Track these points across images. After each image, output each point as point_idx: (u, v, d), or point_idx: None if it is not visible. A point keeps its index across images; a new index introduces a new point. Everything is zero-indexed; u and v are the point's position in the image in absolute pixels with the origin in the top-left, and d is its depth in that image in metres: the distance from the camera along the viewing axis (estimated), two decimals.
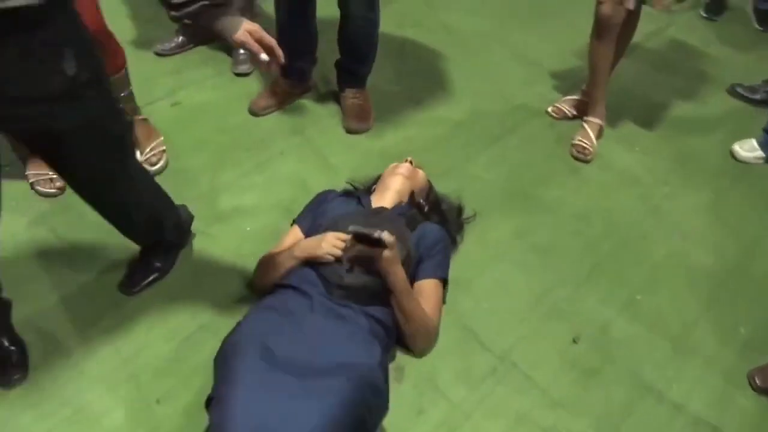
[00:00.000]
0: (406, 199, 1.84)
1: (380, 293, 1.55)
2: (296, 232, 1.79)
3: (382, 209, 1.76)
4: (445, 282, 1.75)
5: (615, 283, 1.91)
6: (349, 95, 2.39)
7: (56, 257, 1.85)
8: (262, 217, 2.01)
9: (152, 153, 2.14)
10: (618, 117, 2.51)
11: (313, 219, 1.79)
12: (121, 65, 2.00)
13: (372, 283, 1.54)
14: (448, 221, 1.95)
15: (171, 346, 1.66)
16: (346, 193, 1.91)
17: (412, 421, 1.55)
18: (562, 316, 1.80)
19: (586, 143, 2.33)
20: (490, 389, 1.62)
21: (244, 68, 2.59)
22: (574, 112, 2.50)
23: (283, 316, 1.45)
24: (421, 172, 1.93)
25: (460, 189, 2.14)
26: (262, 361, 1.29)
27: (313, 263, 1.59)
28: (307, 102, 2.50)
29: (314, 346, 1.37)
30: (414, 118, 2.47)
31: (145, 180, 1.63)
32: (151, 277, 1.79)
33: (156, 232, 1.73)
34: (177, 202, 2.02)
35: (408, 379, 1.63)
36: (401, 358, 1.67)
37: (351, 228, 1.49)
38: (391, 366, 1.63)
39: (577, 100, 2.52)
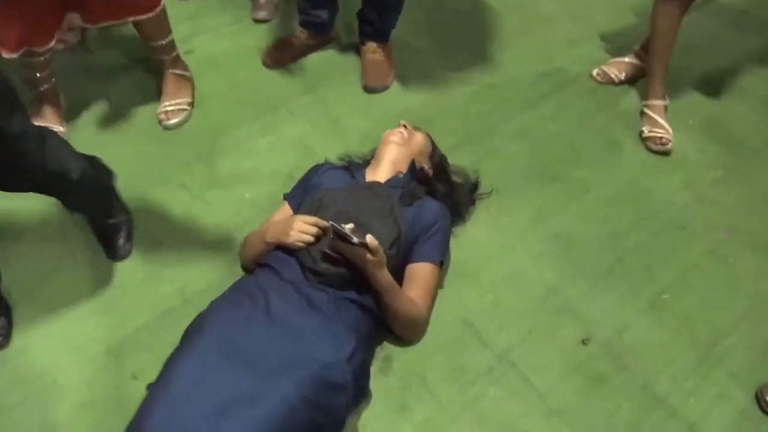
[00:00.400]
0: (404, 168, 1.68)
1: (361, 277, 1.43)
2: (285, 209, 1.67)
3: (374, 184, 1.61)
4: (441, 264, 1.61)
5: (640, 280, 1.71)
6: (370, 50, 2.19)
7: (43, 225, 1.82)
8: (263, 184, 1.90)
9: (165, 109, 2.05)
10: (674, 82, 2.20)
11: (302, 195, 1.66)
12: (155, 3, 1.86)
13: (349, 271, 1.42)
14: (457, 192, 1.78)
15: (153, 319, 1.60)
16: (342, 166, 1.77)
17: (392, 419, 1.45)
18: (574, 314, 1.63)
19: (659, 132, 2.03)
20: (483, 390, 1.50)
21: (263, 14, 2.42)
22: (622, 77, 2.22)
23: (252, 304, 1.35)
24: (419, 136, 1.75)
25: (479, 162, 1.96)
26: (213, 352, 1.22)
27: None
28: (326, 55, 2.32)
29: (275, 340, 1.27)
30: (440, 77, 2.26)
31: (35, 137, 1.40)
32: (121, 236, 1.72)
33: (62, 186, 1.53)
34: (174, 163, 1.95)
35: (395, 372, 1.52)
36: (389, 348, 1.56)
37: (331, 224, 1.35)
38: (379, 355, 1.53)
39: (627, 63, 2.24)
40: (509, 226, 1.83)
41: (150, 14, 1.86)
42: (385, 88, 2.19)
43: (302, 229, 1.43)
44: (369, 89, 2.18)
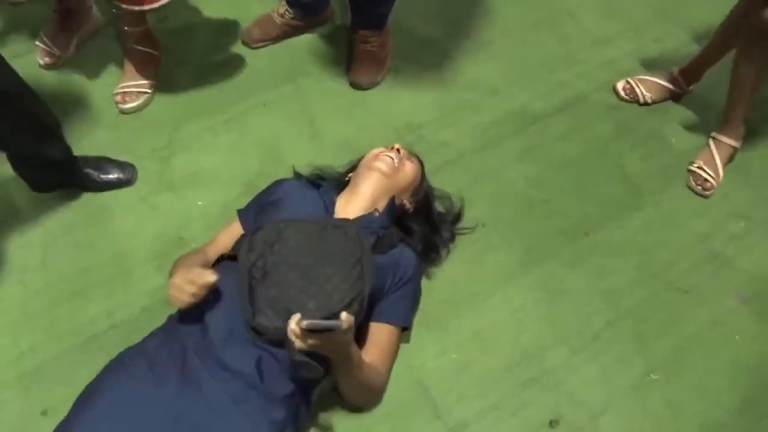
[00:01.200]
0: (383, 204, 1.44)
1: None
2: (235, 228, 1.45)
3: (346, 223, 1.35)
4: (406, 327, 1.42)
5: (629, 352, 1.49)
6: (361, 38, 1.91)
7: None
8: (219, 190, 1.68)
9: (123, 90, 1.82)
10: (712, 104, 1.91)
11: (257, 213, 1.44)
12: None
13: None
14: (437, 231, 1.56)
15: (75, 344, 1.44)
16: (311, 183, 1.53)
17: None
18: (547, 388, 1.43)
19: (709, 174, 1.75)
20: None
21: None
22: (649, 99, 1.92)
23: (164, 368, 1.16)
24: (409, 167, 1.49)
25: (468, 185, 1.72)
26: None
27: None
28: (315, 38, 2.05)
29: (181, 420, 1.09)
30: (439, 77, 1.98)
31: None
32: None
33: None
34: (127, 154, 1.74)
35: None
36: (332, 416, 1.37)
37: (305, 323, 1.08)
38: (318, 419, 1.35)
39: (658, 84, 1.93)
40: (492, 268, 1.60)
41: None
42: (373, 84, 1.93)
43: (184, 288, 1.16)
44: (355, 85, 1.92)
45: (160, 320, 1.30)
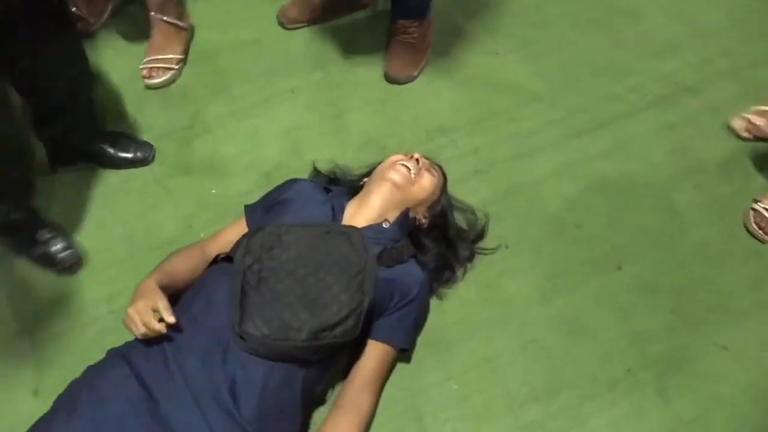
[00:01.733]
0: (393, 216, 1.35)
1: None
2: (240, 226, 1.39)
3: (353, 231, 1.27)
4: (405, 349, 1.33)
5: (647, 407, 1.35)
6: (400, 28, 1.79)
7: None
8: (234, 180, 1.63)
9: (149, 65, 1.77)
10: None
11: (264, 212, 1.38)
12: None
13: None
14: (453, 250, 1.46)
15: (71, 327, 1.42)
16: (323, 186, 1.45)
17: None
18: None
19: None
20: None
21: None
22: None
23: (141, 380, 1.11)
24: (428, 180, 1.38)
25: (495, 200, 1.60)
26: None
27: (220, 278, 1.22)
28: (354, 23, 1.94)
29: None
30: (479, 76, 1.85)
31: None
32: None
33: None
34: (148, 132, 1.70)
35: None
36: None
37: None
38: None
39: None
40: (509, 294, 1.49)
41: None
42: (409, 79, 1.81)
43: (140, 319, 1.09)
44: (390, 78, 1.81)
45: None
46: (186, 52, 1.81)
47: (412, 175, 1.35)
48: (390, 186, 1.33)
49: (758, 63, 1.88)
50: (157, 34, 1.77)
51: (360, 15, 1.95)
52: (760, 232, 1.57)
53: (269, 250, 1.20)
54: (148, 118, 1.72)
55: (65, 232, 1.50)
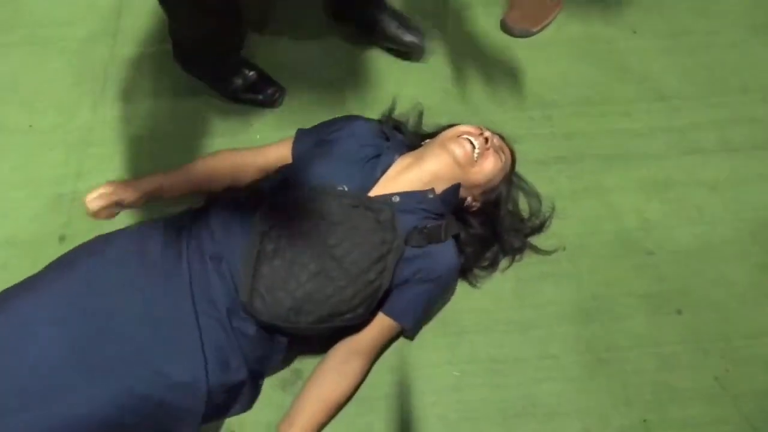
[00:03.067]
0: (441, 188, 1.23)
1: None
2: (285, 146, 1.32)
3: (385, 208, 1.15)
4: (407, 331, 1.27)
5: None
6: None
7: None
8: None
9: None
10: None
11: (314, 143, 1.30)
12: None
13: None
14: (500, 236, 1.33)
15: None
16: (383, 129, 1.34)
17: None
18: None
19: None
20: None
21: None
22: None
23: (139, 260, 1.10)
24: (490, 164, 1.24)
25: (569, 196, 1.46)
26: (56, 304, 1.02)
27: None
28: None
29: (133, 327, 1.04)
30: (605, 51, 1.63)
31: None
32: None
33: None
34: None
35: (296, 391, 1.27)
36: (302, 361, 1.29)
37: None
38: (287, 368, 1.28)
39: None
40: (545, 300, 1.37)
41: None
42: (527, 33, 1.62)
43: (90, 202, 1.10)
44: (507, 29, 1.62)
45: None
46: None
47: (475, 155, 1.21)
48: (448, 158, 1.21)
49: None
50: None
51: None
52: None
53: (306, 201, 1.13)
54: None
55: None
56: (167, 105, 1.54)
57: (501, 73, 1.58)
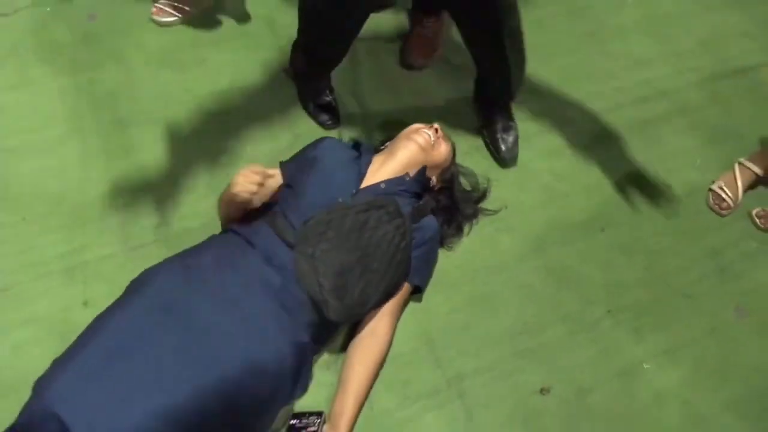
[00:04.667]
0: (413, 172, 1.56)
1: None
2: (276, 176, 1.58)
3: (381, 200, 1.43)
4: (417, 289, 1.54)
5: (624, 341, 1.57)
6: (419, 22, 2.05)
7: None
8: (266, 142, 1.83)
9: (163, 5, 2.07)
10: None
11: (298, 166, 1.56)
12: None
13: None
14: (459, 206, 1.67)
15: (120, 249, 1.58)
16: (354, 144, 1.67)
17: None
18: (541, 360, 1.52)
19: (728, 195, 1.84)
20: (420, 413, 1.43)
21: None
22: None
23: (204, 273, 1.29)
24: (444, 147, 1.61)
25: (497, 169, 1.84)
26: (140, 319, 1.17)
27: (270, 217, 1.41)
28: (377, 18, 2.16)
29: (216, 318, 1.22)
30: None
31: None
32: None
33: None
34: (198, 94, 1.89)
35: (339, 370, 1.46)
36: (340, 342, 1.49)
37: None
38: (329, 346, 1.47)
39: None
40: (506, 247, 1.71)
41: None
42: (423, 66, 2.06)
43: (248, 178, 1.32)
44: (406, 64, 2.05)
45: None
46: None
47: (432, 141, 1.57)
48: (416, 146, 1.55)
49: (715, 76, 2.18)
50: None
51: (384, 13, 2.18)
52: (716, 207, 1.84)
53: (320, 236, 1.36)
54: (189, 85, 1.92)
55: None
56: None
57: (413, 99, 1.99)
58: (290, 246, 1.34)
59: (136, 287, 1.27)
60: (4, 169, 1.70)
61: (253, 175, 1.32)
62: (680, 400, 1.50)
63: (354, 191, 1.45)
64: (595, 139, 1.97)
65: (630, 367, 1.54)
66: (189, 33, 2.06)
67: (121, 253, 1.58)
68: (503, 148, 1.86)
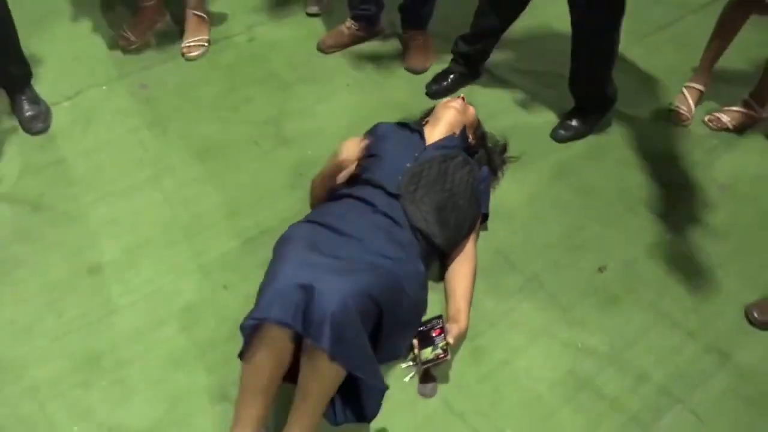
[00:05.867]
0: (458, 131, 1.97)
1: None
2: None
3: (458, 159, 1.83)
4: (485, 217, 1.93)
5: (647, 223, 2.01)
6: (411, 36, 2.54)
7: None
8: (324, 142, 2.21)
9: (191, 43, 2.52)
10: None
11: (372, 142, 1.96)
12: None
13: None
14: (492, 157, 2.10)
15: (236, 244, 1.91)
16: (400, 124, 2.08)
17: None
18: (591, 248, 1.93)
19: (683, 109, 2.36)
20: (516, 304, 1.79)
21: (315, 9, 2.77)
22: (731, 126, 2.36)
23: (334, 218, 1.65)
24: (471, 109, 2.06)
25: (509, 130, 2.28)
26: (306, 249, 1.50)
27: (365, 174, 1.78)
28: (373, 44, 2.66)
29: (358, 244, 1.57)
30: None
31: None
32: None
33: None
34: (246, 123, 2.28)
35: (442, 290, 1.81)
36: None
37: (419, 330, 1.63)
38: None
39: (738, 111, 2.36)
40: (533, 180, 2.14)
41: None
42: (424, 69, 2.53)
43: (352, 147, 1.70)
44: (412, 70, 2.52)
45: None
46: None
47: (462, 106, 2.02)
48: (454, 110, 1.98)
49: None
50: (191, 23, 2.56)
51: (376, 40, 2.67)
52: (679, 121, 2.36)
53: (416, 184, 1.75)
54: (245, 117, 2.31)
55: None
56: None
57: (422, 97, 2.45)
58: (393, 196, 1.71)
59: (283, 240, 1.61)
60: (117, 207, 2.00)
61: (356, 144, 1.72)
62: (699, 256, 1.93)
63: (423, 149, 1.86)
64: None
65: (658, 241, 1.97)
66: (231, 80, 2.46)
67: (237, 247, 1.91)
68: None
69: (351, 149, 1.71)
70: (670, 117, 2.37)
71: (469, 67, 2.46)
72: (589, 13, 2.00)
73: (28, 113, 2.21)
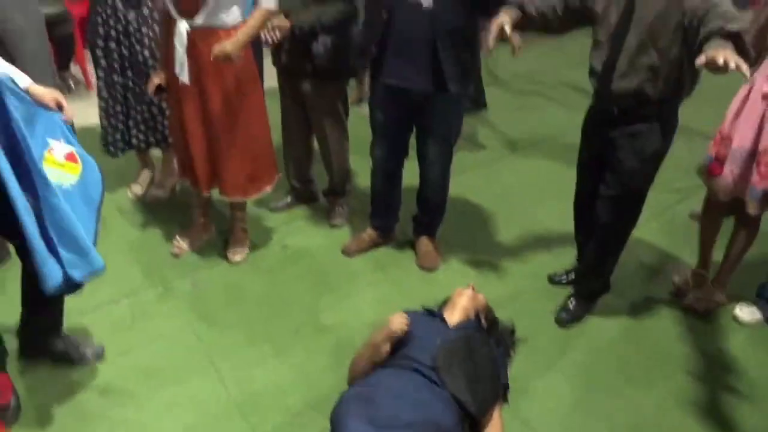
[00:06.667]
0: (472, 316, 2.33)
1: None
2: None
3: (478, 337, 2.18)
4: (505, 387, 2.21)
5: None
6: (422, 242, 3.03)
7: None
8: (356, 328, 2.54)
9: (236, 250, 2.99)
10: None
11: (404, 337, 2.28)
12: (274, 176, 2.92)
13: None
14: (504, 338, 2.42)
15: (286, 421, 2.12)
16: (425, 311, 2.43)
17: None
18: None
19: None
20: None
21: (339, 221, 3.29)
22: None
23: (376, 387, 1.91)
24: (481, 296, 2.43)
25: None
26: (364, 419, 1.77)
27: (402, 351, 2.08)
28: (389, 248, 3.13)
29: (406, 406, 1.82)
30: (479, 262, 3.05)
31: None
32: None
33: None
34: (287, 316, 2.61)
35: None
36: None
37: None
38: None
39: None
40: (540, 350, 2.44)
41: (270, 186, 2.86)
42: (436, 268, 2.97)
43: (401, 320, 2.05)
44: (424, 269, 2.96)
45: None
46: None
47: (472, 294, 2.41)
48: (467, 298, 2.35)
49: None
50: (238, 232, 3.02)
51: (390, 245, 3.14)
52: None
53: (450, 360, 2.05)
54: (279, 304, 2.65)
55: None
56: None
57: (438, 287, 2.84)
58: (431, 369, 2.00)
59: (339, 411, 1.85)
60: (174, 391, 2.23)
61: (402, 317, 2.06)
62: None
63: (447, 330, 2.19)
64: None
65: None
66: (272, 280, 2.84)
67: (287, 422, 2.11)
68: None
69: (399, 320, 2.05)
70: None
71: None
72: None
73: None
